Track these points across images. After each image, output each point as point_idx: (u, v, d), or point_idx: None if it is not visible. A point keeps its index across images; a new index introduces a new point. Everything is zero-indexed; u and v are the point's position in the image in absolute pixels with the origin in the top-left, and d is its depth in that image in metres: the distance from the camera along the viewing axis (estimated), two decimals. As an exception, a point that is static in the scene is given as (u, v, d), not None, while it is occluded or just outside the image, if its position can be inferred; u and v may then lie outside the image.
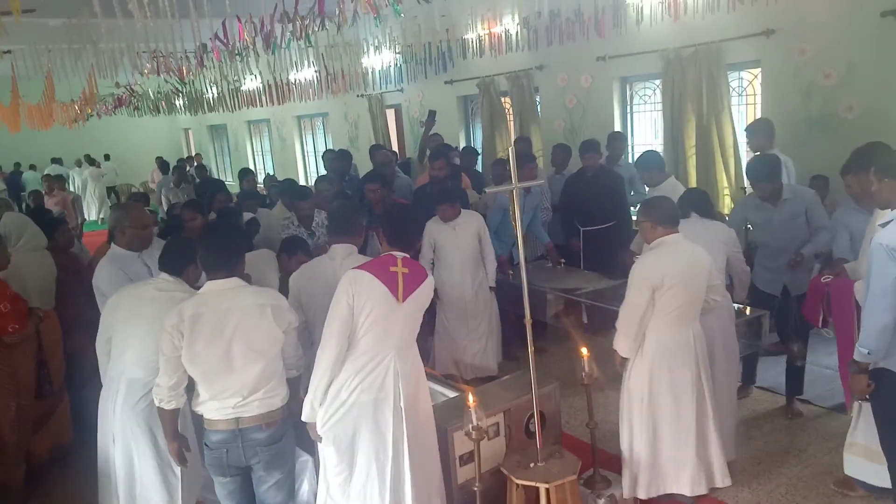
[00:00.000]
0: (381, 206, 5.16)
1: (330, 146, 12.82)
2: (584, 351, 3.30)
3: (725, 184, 6.69)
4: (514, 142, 7.51)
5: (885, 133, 5.22)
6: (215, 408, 2.70)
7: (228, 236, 2.83)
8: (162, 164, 13.99)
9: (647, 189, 6.15)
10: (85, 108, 8.72)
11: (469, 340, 4.86)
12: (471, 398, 2.84)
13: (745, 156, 6.81)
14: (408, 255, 2.90)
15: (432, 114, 7.14)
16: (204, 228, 3.21)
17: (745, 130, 5.35)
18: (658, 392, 3.25)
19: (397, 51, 9.52)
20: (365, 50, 8.88)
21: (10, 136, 10.52)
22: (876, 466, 3.20)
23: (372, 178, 5.49)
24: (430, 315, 5.42)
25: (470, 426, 2.84)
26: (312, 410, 2.78)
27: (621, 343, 3.30)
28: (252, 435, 2.70)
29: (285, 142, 14.30)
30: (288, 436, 2.84)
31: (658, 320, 3.21)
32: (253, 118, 14.96)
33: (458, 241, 4.77)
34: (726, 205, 6.74)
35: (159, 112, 10.83)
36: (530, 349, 3.05)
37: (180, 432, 2.84)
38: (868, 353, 2.81)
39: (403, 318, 2.81)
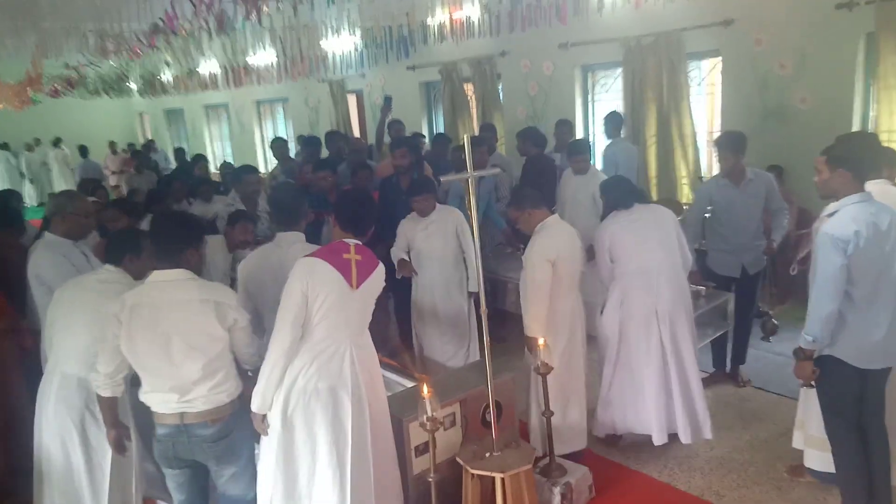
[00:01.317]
0: (334, 193, 5.07)
1: (290, 132, 12.61)
2: (541, 341, 3.28)
3: (684, 173, 6.76)
4: (480, 128, 7.42)
5: (836, 124, 5.33)
6: (158, 400, 2.61)
7: (177, 225, 2.71)
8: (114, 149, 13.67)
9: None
10: (31, 88, 8.37)
11: (442, 343, 4.44)
12: (425, 389, 2.80)
13: (705, 146, 6.91)
14: (360, 242, 2.84)
15: (388, 99, 7.00)
16: (154, 217, 3.08)
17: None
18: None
19: (357, 34, 9.37)
20: (323, 33, 8.68)
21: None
22: (818, 453, 3.26)
23: (323, 165, 5.37)
24: (386, 301, 5.33)
25: (424, 417, 2.79)
26: (264, 401, 2.67)
27: (536, 324, 3.46)
28: (197, 431, 2.61)
29: (244, 127, 14.00)
30: (240, 429, 2.75)
31: (553, 291, 3.48)
32: (210, 102, 14.60)
33: (432, 242, 4.29)
34: (685, 194, 6.82)
35: (106, 93, 10.44)
36: (485, 339, 3.01)
37: (122, 422, 2.75)
38: (813, 341, 2.85)
39: (357, 306, 2.76)
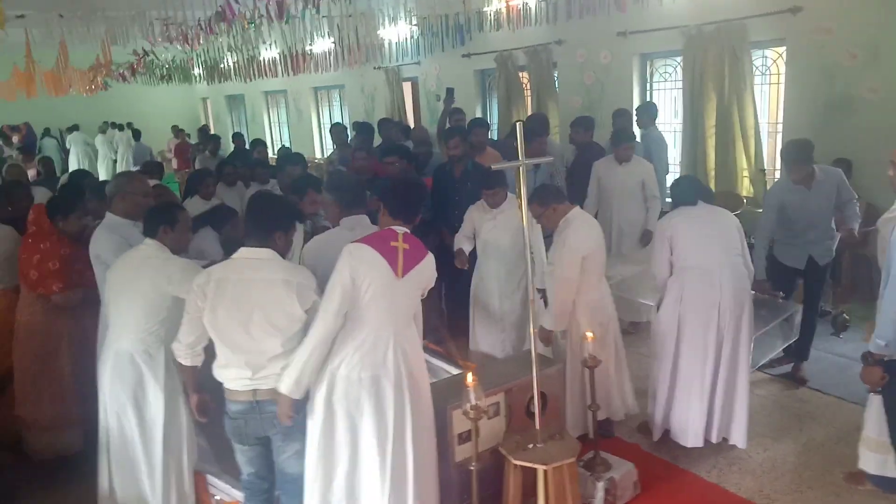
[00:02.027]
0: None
1: (346, 119, 12.74)
2: (589, 335, 3.24)
3: (745, 165, 6.54)
4: (528, 118, 7.31)
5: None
6: (233, 376, 2.69)
7: (270, 205, 2.83)
8: (177, 133, 14.07)
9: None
10: (99, 74, 8.69)
11: (499, 338, 4.33)
12: (470, 377, 2.80)
13: (767, 138, 6.67)
14: (408, 230, 2.82)
15: (450, 91, 6.99)
16: (252, 196, 3.15)
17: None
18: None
19: (413, 23, 9.38)
20: (380, 21, 8.72)
21: (27, 103, 10.53)
22: (873, 455, 3.13)
23: (391, 150, 5.32)
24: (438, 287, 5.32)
25: (468, 405, 2.80)
26: (298, 386, 2.63)
27: (561, 319, 3.59)
28: (269, 407, 2.68)
29: (302, 114, 14.22)
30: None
31: (584, 284, 3.59)
32: (270, 89, 14.89)
33: (499, 233, 4.14)
34: (745, 187, 6.61)
35: (171, 80, 10.76)
36: (530, 329, 2.99)
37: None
38: (885, 345, 2.72)
39: (402, 295, 2.74)
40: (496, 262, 4.20)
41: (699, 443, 3.62)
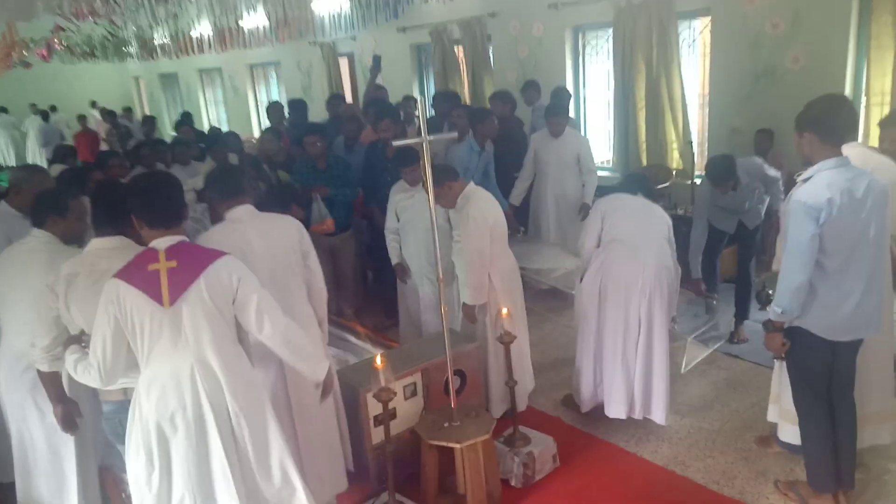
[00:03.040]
0: (324, 160, 4.88)
1: (284, 97, 12.43)
2: (504, 311, 3.22)
3: (673, 137, 6.60)
4: (435, 95, 7.22)
5: (829, 84, 5.18)
6: None
7: (115, 193, 2.60)
8: (106, 114, 13.49)
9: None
10: (13, 52, 8.21)
11: (420, 321, 4.29)
12: (378, 360, 2.75)
13: (693, 110, 6.73)
14: (179, 240, 2.31)
15: (377, 59, 6.80)
16: (96, 185, 3.00)
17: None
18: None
19: (347, -6, 9.18)
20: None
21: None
22: (792, 427, 3.21)
23: (313, 129, 5.12)
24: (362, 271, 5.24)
25: (378, 388, 2.75)
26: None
27: (479, 291, 3.63)
28: None
29: (238, 92, 13.80)
30: None
31: (495, 253, 3.67)
32: (204, 66, 14.39)
33: (418, 211, 4.02)
34: (675, 159, 6.68)
35: (95, 57, 10.29)
36: (442, 308, 2.95)
37: (70, 397, 2.70)
38: (782, 312, 2.77)
39: (188, 323, 2.25)
40: (415, 241, 4.15)
41: (621, 414, 3.65)
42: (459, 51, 8.75)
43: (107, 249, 2.50)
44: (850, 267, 2.73)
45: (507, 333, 3.21)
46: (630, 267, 3.56)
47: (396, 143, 2.83)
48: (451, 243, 3.84)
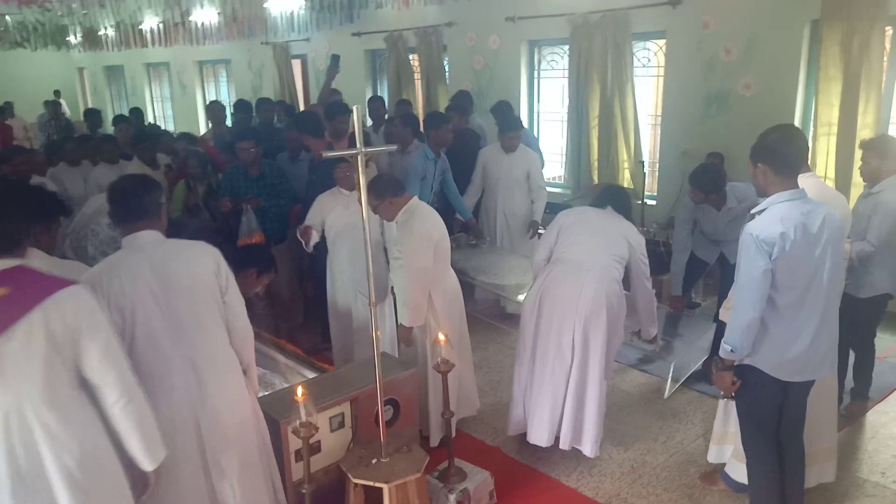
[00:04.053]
0: (257, 167, 4.62)
1: (233, 96, 12.03)
2: (441, 336, 3.01)
3: (625, 157, 6.54)
4: (369, 100, 6.97)
5: (779, 112, 5.17)
6: None
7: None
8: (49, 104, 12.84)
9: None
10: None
11: (351, 342, 4.03)
12: (300, 392, 2.50)
13: (646, 130, 6.69)
14: (18, 263, 1.96)
15: (335, 58, 6.49)
16: None
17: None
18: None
19: (301, -5, 8.92)
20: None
21: None
22: (737, 464, 3.10)
23: (247, 134, 4.77)
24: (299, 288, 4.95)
25: (298, 422, 2.51)
26: None
27: (417, 312, 3.42)
28: None
29: (186, 89, 13.32)
30: None
31: (438, 272, 3.49)
32: (152, 61, 13.87)
33: (349, 220, 3.77)
34: (626, 178, 6.61)
35: (28, 45, 9.73)
36: (374, 332, 2.72)
37: None
38: (731, 351, 2.64)
39: (9, 363, 1.84)
40: (347, 255, 3.88)
41: (542, 442, 3.46)
42: (415, 59, 8.57)
43: None
44: (804, 304, 2.61)
45: (444, 361, 3.00)
46: (568, 286, 3.35)
47: (327, 154, 2.58)
48: (382, 259, 3.62)
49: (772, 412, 2.77)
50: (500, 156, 5.28)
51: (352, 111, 2.56)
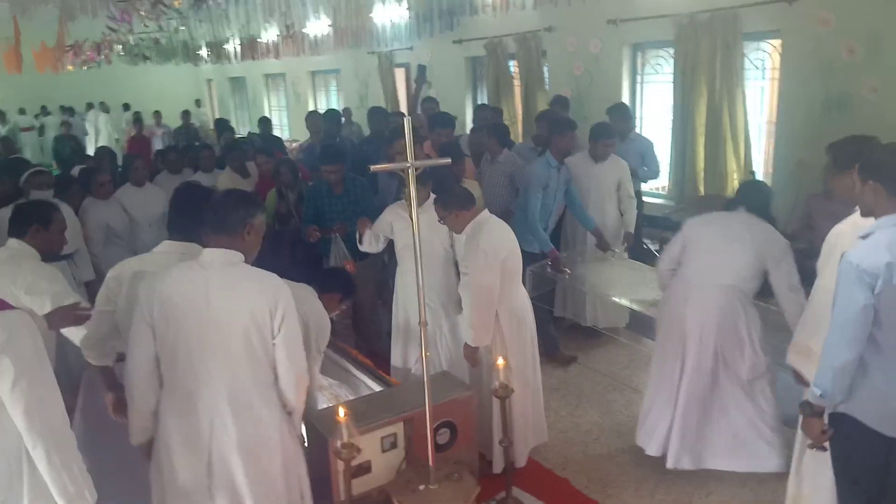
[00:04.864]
0: (341, 185, 4.50)
1: (342, 105, 12.39)
2: (501, 361, 2.85)
3: (734, 167, 6.05)
4: (476, 109, 6.72)
5: (909, 119, 4.58)
6: None
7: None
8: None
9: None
10: (61, 54, 8.38)
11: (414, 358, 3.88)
12: (341, 412, 2.44)
13: (758, 139, 6.17)
14: None
15: (422, 68, 6.45)
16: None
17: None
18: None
19: (405, 5, 9.01)
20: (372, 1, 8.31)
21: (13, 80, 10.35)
22: None
23: (331, 156, 4.52)
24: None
25: (339, 443, 2.44)
26: None
27: (483, 333, 3.30)
28: None
29: (300, 98, 13.90)
30: None
31: (505, 290, 3.31)
32: (270, 72, 14.60)
33: (422, 234, 3.81)
34: (734, 190, 6.11)
35: (150, 59, 10.49)
36: (423, 352, 2.61)
37: None
38: (821, 396, 2.30)
39: None
40: (413, 269, 3.77)
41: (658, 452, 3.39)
42: (515, 65, 8.42)
43: (178, 254, 2.46)
44: (912, 345, 2.24)
45: (503, 387, 2.85)
46: (683, 308, 3.29)
47: (374, 167, 2.50)
48: (451, 272, 3.51)
49: (873, 472, 2.37)
50: (590, 165, 5.00)
51: (407, 119, 2.46)
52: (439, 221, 3.44)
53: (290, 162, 5.12)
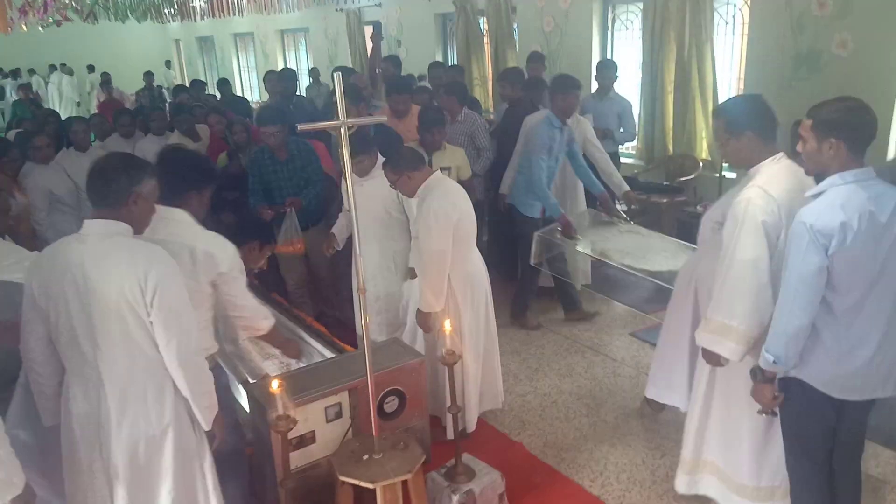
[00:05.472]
0: (284, 150, 4.26)
1: (311, 64, 12.07)
2: (447, 325, 2.76)
3: (703, 125, 5.95)
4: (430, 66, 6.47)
5: (878, 75, 4.50)
6: None
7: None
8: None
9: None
10: (24, 14, 7.95)
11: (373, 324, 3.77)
12: (275, 384, 2.33)
13: (727, 96, 6.05)
14: None
15: (377, 26, 6.22)
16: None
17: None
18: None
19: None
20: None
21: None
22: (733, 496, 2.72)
23: (267, 117, 4.28)
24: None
25: (275, 416, 2.34)
26: None
27: (435, 297, 3.18)
28: None
29: (269, 58, 13.52)
30: None
31: (458, 254, 3.20)
32: (238, 31, 14.15)
33: (368, 204, 3.53)
34: (703, 149, 6.03)
35: (96, 19, 10.03)
36: (364, 319, 2.50)
37: None
38: (774, 361, 2.23)
39: None
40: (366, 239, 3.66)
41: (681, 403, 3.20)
42: (485, 22, 8.19)
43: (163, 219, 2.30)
44: (865, 308, 2.17)
45: (449, 353, 2.75)
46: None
47: (303, 126, 2.35)
48: (407, 237, 3.38)
49: (822, 435, 2.34)
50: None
51: (337, 75, 2.29)
52: (391, 186, 3.31)
53: (243, 121, 4.91)
